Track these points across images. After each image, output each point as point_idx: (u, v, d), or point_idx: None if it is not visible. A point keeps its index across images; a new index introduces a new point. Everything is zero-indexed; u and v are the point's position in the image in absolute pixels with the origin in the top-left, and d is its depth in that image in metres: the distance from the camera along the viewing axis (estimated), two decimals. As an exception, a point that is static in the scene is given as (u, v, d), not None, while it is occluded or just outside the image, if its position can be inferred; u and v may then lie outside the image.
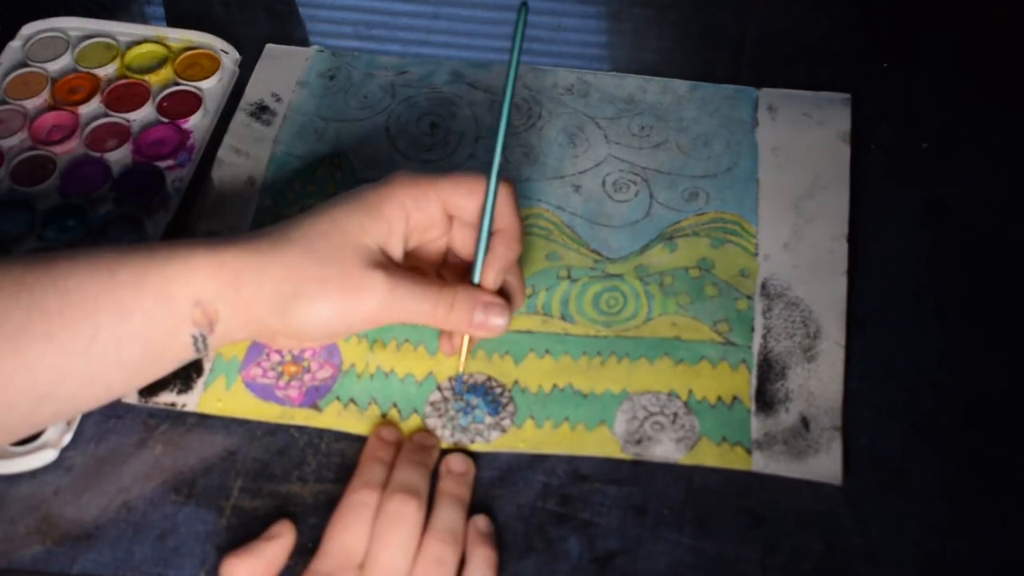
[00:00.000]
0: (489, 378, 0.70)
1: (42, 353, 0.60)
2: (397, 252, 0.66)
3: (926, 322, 0.72)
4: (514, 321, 0.72)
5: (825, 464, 0.66)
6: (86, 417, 0.69)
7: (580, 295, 0.74)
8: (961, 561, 0.63)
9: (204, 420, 0.69)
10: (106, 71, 0.86)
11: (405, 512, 0.63)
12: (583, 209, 0.78)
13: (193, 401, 0.70)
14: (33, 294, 0.60)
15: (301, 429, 0.69)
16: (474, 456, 0.68)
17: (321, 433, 0.69)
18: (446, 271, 0.70)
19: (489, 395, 0.70)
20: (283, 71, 0.87)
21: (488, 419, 0.69)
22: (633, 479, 0.67)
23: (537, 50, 0.88)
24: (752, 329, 0.72)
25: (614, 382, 0.70)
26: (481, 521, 0.64)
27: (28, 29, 0.88)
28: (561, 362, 0.71)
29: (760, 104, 0.83)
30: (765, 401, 0.69)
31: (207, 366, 0.71)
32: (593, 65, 0.87)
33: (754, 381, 0.69)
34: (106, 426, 0.69)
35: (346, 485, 0.65)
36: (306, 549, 0.64)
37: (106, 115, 0.83)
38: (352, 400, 0.70)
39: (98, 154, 0.81)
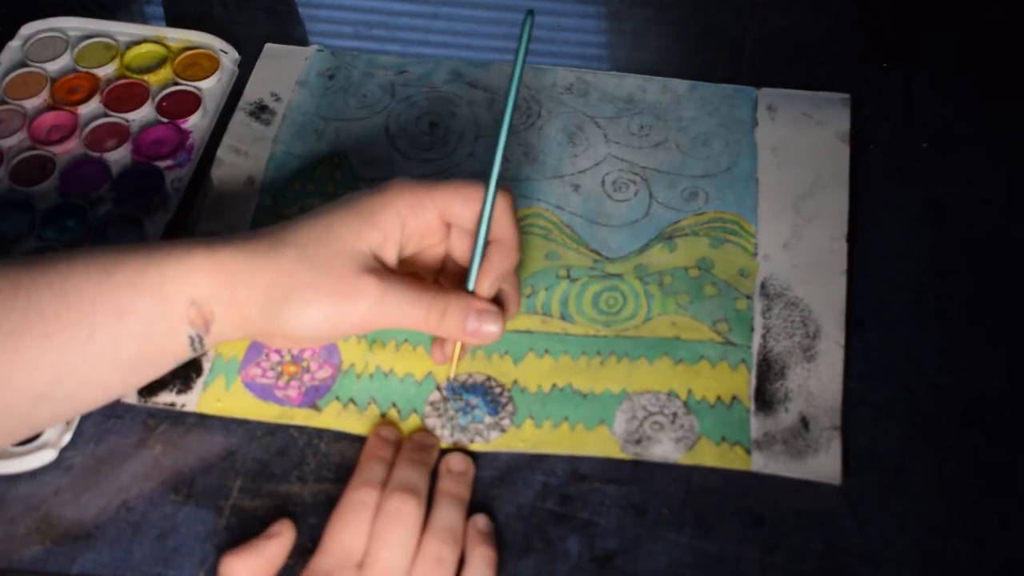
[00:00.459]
0: (489, 378, 0.70)
1: (39, 354, 0.60)
2: (392, 259, 0.66)
3: (926, 322, 0.72)
4: (513, 321, 0.72)
5: (825, 464, 0.66)
6: (85, 417, 0.69)
7: (580, 295, 0.74)
8: (961, 561, 0.63)
9: (204, 420, 0.69)
10: (105, 71, 0.86)
11: (404, 511, 0.62)
12: (582, 208, 0.78)
13: (192, 401, 0.70)
14: (30, 296, 0.60)
15: (300, 429, 0.69)
16: (474, 456, 0.68)
17: (320, 433, 0.69)
18: (444, 278, 0.70)
19: (489, 395, 0.70)
20: (282, 71, 0.87)
21: (488, 419, 0.69)
22: (633, 479, 0.67)
23: (537, 50, 0.88)
24: (751, 329, 0.72)
25: (614, 382, 0.70)
26: (481, 520, 0.64)
27: (27, 29, 0.88)
28: (560, 362, 0.71)
29: (760, 104, 0.83)
30: (764, 401, 0.69)
31: (206, 366, 0.71)
32: (593, 65, 0.87)
33: (753, 381, 0.69)
34: (106, 426, 0.69)
35: (346, 484, 0.65)
36: (305, 548, 0.64)
37: (105, 115, 0.83)
38: (351, 400, 0.70)
39: (97, 154, 0.81)
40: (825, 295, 0.73)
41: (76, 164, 0.81)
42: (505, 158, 0.66)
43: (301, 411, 0.69)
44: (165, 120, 0.83)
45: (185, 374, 0.70)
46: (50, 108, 0.84)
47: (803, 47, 0.87)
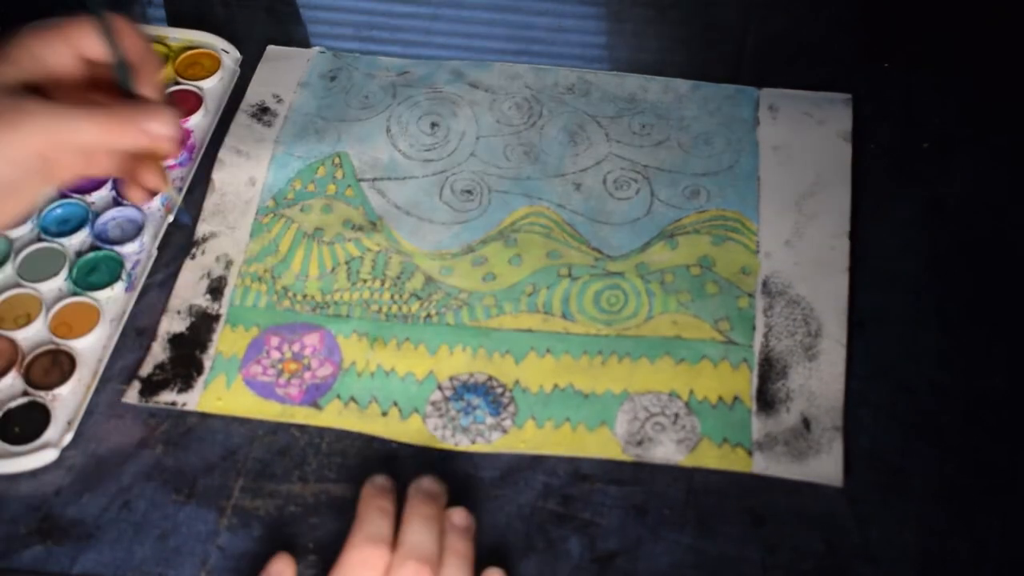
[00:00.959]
0: (490, 378, 0.70)
1: None
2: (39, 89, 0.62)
3: (926, 322, 0.72)
4: (515, 320, 0.73)
5: (826, 465, 0.66)
6: (87, 417, 0.69)
7: (581, 293, 0.74)
8: (961, 561, 0.63)
9: (205, 420, 0.69)
10: (107, 71, 0.86)
11: None
12: (584, 207, 0.78)
13: (193, 400, 0.70)
14: None
15: (302, 429, 0.69)
16: (475, 456, 0.67)
17: (322, 433, 0.69)
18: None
19: (490, 395, 0.70)
20: (284, 72, 0.87)
21: (489, 419, 0.69)
22: (634, 479, 0.67)
23: (537, 50, 0.88)
24: (753, 327, 0.72)
25: (615, 382, 0.70)
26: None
27: (28, 29, 0.88)
28: (562, 361, 0.71)
29: (761, 104, 0.83)
30: (766, 401, 0.69)
31: (207, 364, 0.71)
32: (594, 66, 0.87)
33: (755, 380, 0.70)
34: (107, 426, 0.69)
35: (348, 486, 0.66)
36: (307, 549, 0.64)
37: (107, 115, 0.83)
38: (352, 399, 0.70)
39: (99, 154, 0.81)
40: (827, 293, 0.73)
41: (77, 164, 0.81)
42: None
43: (302, 409, 0.69)
44: (166, 120, 0.83)
45: (186, 372, 0.70)
46: (51, 108, 0.84)
47: (803, 47, 0.87)
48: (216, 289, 0.75)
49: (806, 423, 0.68)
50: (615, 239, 0.76)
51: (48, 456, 0.67)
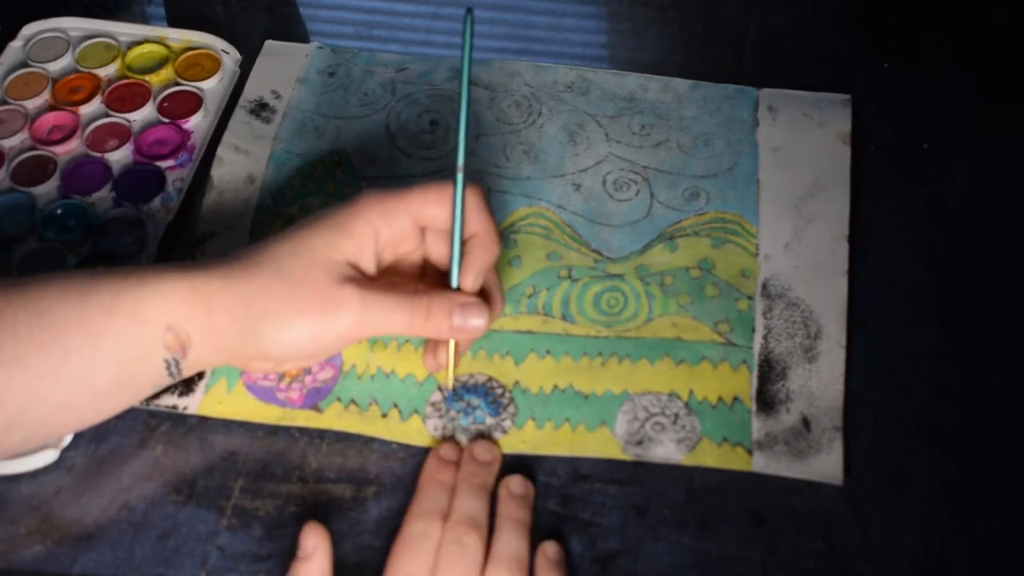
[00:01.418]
0: (490, 379, 0.70)
1: (10, 378, 0.60)
2: (370, 269, 0.65)
3: (926, 322, 0.72)
4: (515, 321, 0.72)
5: (826, 464, 0.66)
6: (87, 417, 0.69)
7: (581, 295, 0.74)
8: (961, 561, 0.63)
9: (205, 420, 0.69)
10: (107, 71, 0.86)
11: (467, 542, 0.62)
12: (584, 208, 0.78)
13: (194, 404, 0.70)
14: (3, 318, 0.60)
15: (302, 429, 0.69)
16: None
17: (322, 433, 0.69)
18: (424, 283, 0.69)
19: (490, 396, 0.70)
20: (283, 68, 0.87)
21: (489, 420, 0.69)
22: (634, 479, 0.67)
23: (537, 50, 0.88)
24: (753, 329, 0.72)
25: (615, 383, 0.70)
26: (551, 548, 0.63)
27: (29, 29, 0.88)
28: (562, 363, 0.71)
29: (760, 104, 0.83)
30: (766, 401, 0.69)
31: (208, 369, 0.71)
32: (593, 65, 0.87)
33: (755, 381, 0.70)
34: (107, 426, 0.69)
35: (348, 486, 0.66)
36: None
37: (107, 115, 0.83)
38: (353, 401, 0.70)
39: (99, 154, 0.81)
40: (826, 295, 0.73)
41: (77, 164, 0.81)
42: (468, 153, 0.65)
43: (302, 412, 0.69)
44: (166, 120, 0.83)
45: (186, 377, 0.70)
46: (51, 108, 0.84)
47: (803, 47, 0.87)
48: (216, 289, 0.75)
49: (806, 423, 0.68)
50: (615, 241, 0.76)
51: (48, 456, 0.67)
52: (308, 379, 0.70)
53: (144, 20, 0.93)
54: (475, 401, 0.69)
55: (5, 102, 0.84)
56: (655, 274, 0.74)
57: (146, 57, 0.87)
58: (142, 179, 0.80)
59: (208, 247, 0.77)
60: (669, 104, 0.84)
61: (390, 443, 0.68)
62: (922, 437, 0.68)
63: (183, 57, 0.87)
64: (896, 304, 0.73)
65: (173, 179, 0.80)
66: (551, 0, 0.93)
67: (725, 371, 0.70)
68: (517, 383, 0.70)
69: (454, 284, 0.66)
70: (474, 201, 0.66)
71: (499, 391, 0.70)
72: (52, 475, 0.67)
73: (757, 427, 0.68)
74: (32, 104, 0.84)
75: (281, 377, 0.70)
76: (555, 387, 0.70)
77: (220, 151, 0.81)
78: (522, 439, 0.68)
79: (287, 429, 0.69)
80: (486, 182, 0.79)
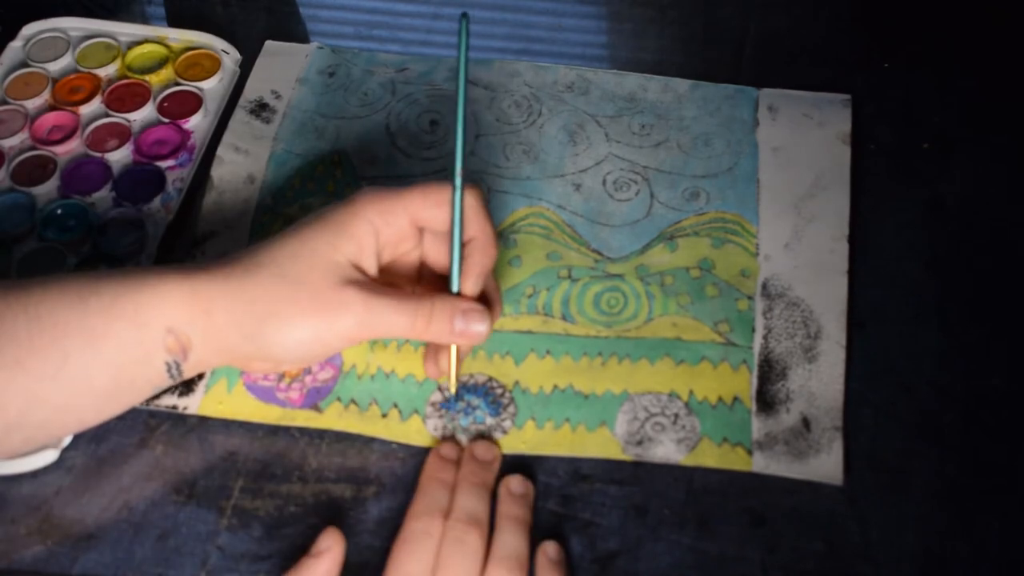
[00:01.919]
0: (490, 379, 0.70)
1: (11, 380, 0.60)
2: (371, 268, 0.65)
3: (926, 322, 0.72)
4: (515, 321, 0.72)
5: (826, 464, 0.66)
6: (87, 417, 0.69)
7: (581, 295, 0.74)
8: (961, 561, 0.63)
9: (205, 420, 0.69)
10: (107, 71, 0.86)
11: (468, 540, 0.62)
12: (584, 208, 0.78)
13: (194, 404, 0.70)
14: (3, 322, 0.60)
15: (302, 429, 0.69)
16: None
17: (322, 433, 0.69)
18: (422, 285, 0.69)
19: (490, 396, 0.70)
20: (283, 68, 0.87)
21: (489, 420, 0.69)
22: (634, 479, 0.67)
23: (537, 50, 0.88)
24: (753, 329, 0.72)
25: (615, 383, 0.70)
26: (551, 548, 0.63)
27: (29, 29, 0.88)
28: (562, 363, 0.71)
29: (760, 104, 0.83)
30: (766, 401, 0.69)
31: (208, 370, 0.71)
32: (593, 65, 0.87)
33: (755, 381, 0.70)
34: (107, 426, 0.68)
35: (348, 486, 0.66)
36: (307, 549, 0.63)
37: (107, 115, 0.83)
38: (353, 401, 0.70)
39: (99, 154, 0.81)
40: (826, 295, 0.73)
41: (77, 164, 0.81)
42: (467, 156, 0.66)
43: (303, 412, 0.69)
44: (166, 120, 0.83)
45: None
46: (51, 108, 0.84)
47: (803, 47, 0.87)
48: (217, 289, 0.75)
49: (806, 423, 0.68)
50: (615, 241, 0.76)
51: (48, 456, 0.67)
52: (308, 379, 0.70)
53: (144, 20, 0.93)
54: (475, 401, 0.69)
55: (5, 102, 0.84)
56: (655, 274, 0.74)
57: (146, 57, 0.87)
58: (142, 179, 0.80)
59: (208, 247, 0.77)
60: (669, 104, 0.84)
61: (390, 443, 0.68)
62: (922, 437, 0.68)
63: (183, 57, 0.87)
64: (896, 304, 0.73)
65: (173, 179, 0.80)
66: (551, 0, 0.93)
67: (725, 371, 0.70)
68: (517, 383, 0.70)
69: (454, 288, 0.66)
70: (473, 204, 0.66)
71: (499, 391, 0.70)
72: (52, 475, 0.67)
73: (757, 427, 0.68)
74: (32, 104, 0.84)
75: (281, 377, 0.70)
76: (555, 387, 0.70)
77: (220, 151, 0.81)
78: (522, 439, 0.68)
79: (287, 429, 0.69)
80: (486, 182, 0.79)
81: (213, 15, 0.92)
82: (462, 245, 0.66)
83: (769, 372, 0.70)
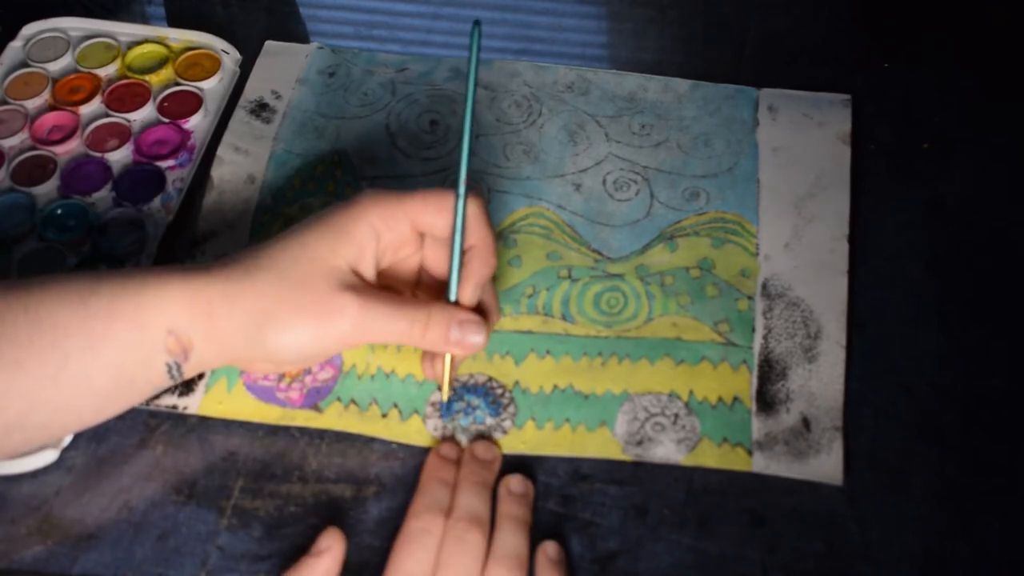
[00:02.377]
0: (490, 379, 0.70)
1: (11, 381, 0.60)
2: (370, 272, 0.65)
3: (926, 322, 0.72)
4: (515, 321, 0.73)
5: (826, 464, 0.66)
6: (87, 417, 0.69)
7: (581, 295, 0.74)
8: (961, 561, 0.63)
9: (205, 420, 0.69)
10: (107, 71, 0.86)
11: (469, 539, 0.62)
12: (584, 208, 0.78)
13: (194, 404, 0.70)
14: (3, 322, 0.60)
15: (302, 429, 0.69)
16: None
17: (322, 433, 0.69)
18: (420, 289, 0.69)
19: (490, 396, 0.70)
20: (283, 68, 0.87)
21: (489, 420, 0.69)
22: (634, 479, 0.67)
23: (537, 50, 0.88)
24: (753, 329, 0.72)
25: (615, 383, 0.70)
26: (551, 548, 0.63)
27: (29, 29, 0.88)
28: (562, 363, 0.71)
29: (760, 104, 0.83)
30: (766, 401, 0.69)
31: (208, 370, 0.71)
32: (593, 65, 0.87)
33: (755, 381, 0.70)
34: (107, 426, 0.68)
35: (348, 486, 0.66)
36: (307, 549, 0.64)
37: (107, 115, 0.83)
38: (353, 401, 0.70)
39: (99, 154, 0.81)
40: (826, 295, 0.73)
41: (77, 164, 0.81)
42: (471, 161, 0.66)
43: (302, 412, 0.69)
44: (166, 120, 0.83)
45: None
46: (51, 108, 0.84)
47: (803, 47, 0.87)
48: (217, 289, 0.75)
49: (806, 423, 0.68)
50: (615, 241, 0.76)
51: (48, 456, 0.67)
52: (308, 379, 0.70)
53: (144, 20, 0.93)
54: (475, 401, 0.69)
55: (5, 102, 0.84)
56: (655, 274, 0.74)
57: (146, 57, 0.87)
58: (142, 179, 0.80)
59: (208, 247, 0.77)
60: (669, 104, 0.84)
61: (390, 443, 0.68)
62: (922, 437, 0.68)
63: (183, 57, 0.87)
64: (896, 304, 0.73)
65: (173, 179, 0.80)
66: (551, 0, 0.93)
67: (725, 371, 0.70)
68: (517, 383, 0.70)
69: (452, 297, 0.66)
70: (475, 212, 0.66)
71: (499, 391, 0.70)
72: (52, 475, 0.67)
73: (757, 427, 0.68)
74: (32, 104, 0.84)
75: (281, 377, 0.70)
76: (555, 387, 0.70)
77: (220, 151, 0.81)
78: (522, 439, 0.68)
79: (287, 429, 0.69)
80: (486, 182, 0.79)
81: (213, 15, 0.92)
82: (462, 253, 0.66)
83: (769, 372, 0.70)
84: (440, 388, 0.70)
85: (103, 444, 0.68)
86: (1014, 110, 0.82)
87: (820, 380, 0.69)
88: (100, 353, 0.61)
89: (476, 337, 0.65)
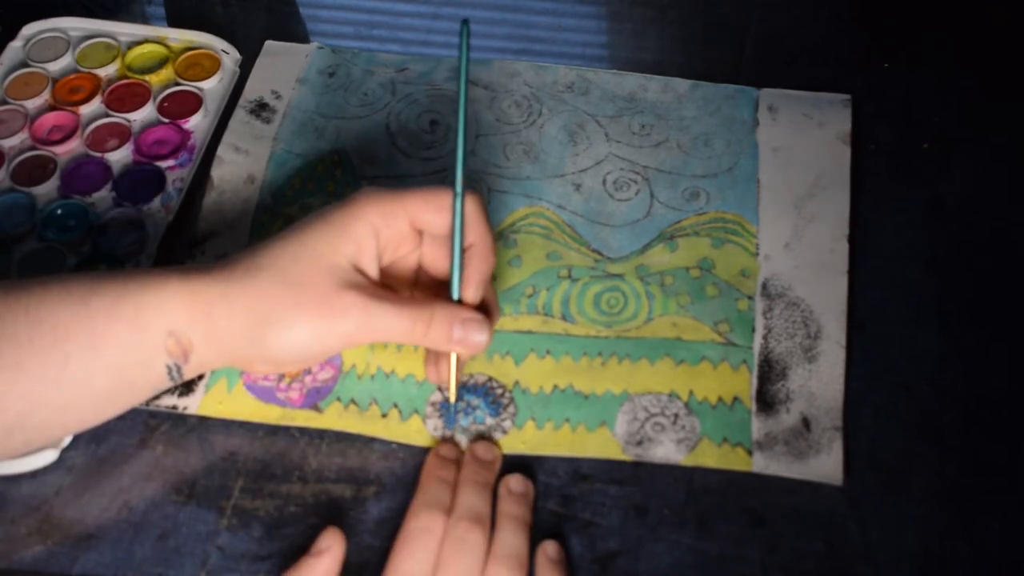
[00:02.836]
0: (490, 379, 0.70)
1: (12, 382, 0.60)
2: (372, 270, 0.65)
3: (926, 322, 0.72)
4: (515, 321, 0.72)
5: (826, 464, 0.66)
6: (87, 417, 0.69)
7: (581, 295, 0.74)
8: (961, 561, 0.63)
9: (205, 420, 0.69)
10: (107, 71, 0.86)
11: (470, 539, 0.62)
12: (584, 208, 0.78)
13: (194, 404, 0.70)
14: (3, 322, 0.60)
15: (302, 429, 0.69)
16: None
17: (322, 433, 0.69)
18: (418, 289, 0.69)
19: (490, 396, 0.70)
20: (283, 68, 0.87)
21: (489, 420, 0.69)
22: (634, 479, 0.67)
23: (537, 50, 0.88)
24: (753, 329, 0.72)
25: (615, 383, 0.70)
26: (551, 548, 0.63)
27: (29, 29, 0.88)
28: (562, 363, 0.71)
29: (760, 104, 0.83)
30: (766, 401, 0.69)
31: (209, 371, 0.71)
32: (593, 65, 0.87)
33: (755, 381, 0.70)
34: (107, 426, 0.68)
35: (348, 486, 0.66)
36: (307, 549, 0.64)
37: (107, 115, 0.83)
38: (353, 401, 0.70)
39: (99, 154, 0.81)
40: (826, 295, 0.73)
41: (77, 164, 0.81)
42: (470, 162, 0.66)
43: (303, 412, 0.69)
44: (166, 120, 0.83)
45: (187, 377, 0.70)
46: (51, 108, 0.84)
47: (803, 47, 0.87)
48: (217, 289, 0.75)
49: (806, 423, 0.68)
50: (615, 241, 0.76)
51: (48, 456, 0.67)
52: (308, 379, 0.70)
53: (144, 20, 0.93)
54: (475, 401, 0.69)
55: (5, 102, 0.84)
56: (655, 274, 0.74)
57: (146, 57, 0.87)
58: (142, 179, 0.80)
59: (208, 247, 0.77)
60: (669, 104, 0.84)
61: (390, 443, 0.68)
62: (922, 437, 0.68)
63: (183, 57, 0.87)
64: (896, 304, 0.73)
65: (173, 179, 0.80)
66: (551, 0, 0.93)
67: (725, 371, 0.70)
68: (517, 383, 0.70)
69: (455, 296, 0.66)
70: (473, 211, 0.66)
71: (499, 391, 0.70)
72: (52, 475, 0.67)
73: (757, 427, 0.68)
74: (32, 104, 0.84)
75: (281, 377, 0.70)
76: (555, 387, 0.70)
77: (220, 151, 0.81)
78: (522, 439, 0.68)
79: (287, 429, 0.69)
80: (486, 182, 0.79)
81: (213, 15, 0.92)
82: (462, 252, 0.66)
83: (769, 372, 0.70)
84: (442, 390, 0.70)
85: (103, 444, 0.68)
86: (1014, 110, 0.82)
87: (820, 380, 0.69)
88: (100, 354, 0.61)
89: (479, 336, 0.65)
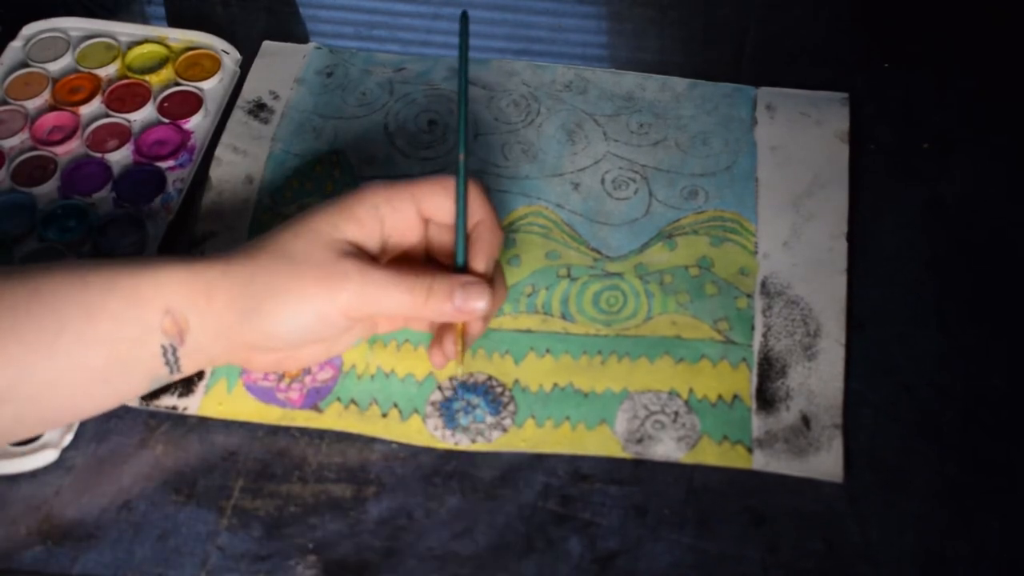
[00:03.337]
0: (490, 377, 0.70)
1: (3, 347, 0.60)
2: (373, 252, 0.66)
3: (926, 322, 0.72)
4: (514, 320, 0.72)
5: (826, 462, 0.66)
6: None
7: (580, 294, 0.74)
8: (961, 561, 0.63)
9: (205, 420, 0.69)
10: (107, 71, 0.86)
11: None
12: (582, 207, 0.78)
13: (194, 405, 0.70)
14: (3, 293, 0.61)
15: (302, 429, 0.69)
16: (475, 457, 0.67)
17: (322, 433, 0.69)
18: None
19: (490, 394, 0.70)
20: (280, 68, 0.87)
21: (489, 418, 0.69)
22: (634, 479, 0.67)
23: (537, 50, 0.88)
24: (752, 327, 0.72)
25: (615, 381, 0.70)
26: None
27: (29, 29, 0.88)
28: (561, 361, 0.71)
29: (759, 103, 0.83)
30: (766, 399, 0.69)
31: (208, 369, 0.71)
32: (593, 66, 0.87)
33: (755, 379, 0.70)
34: (107, 426, 0.69)
35: (348, 486, 0.66)
36: (307, 549, 0.64)
37: (107, 115, 0.83)
38: (353, 401, 0.70)
39: (99, 154, 0.81)
40: (825, 293, 0.73)
41: (77, 164, 0.81)
42: (469, 161, 0.66)
43: (303, 413, 0.69)
44: (166, 120, 0.83)
45: (187, 377, 0.70)
46: (51, 108, 0.84)
47: (803, 47, 0.87)
48: (216, 289, 0.75)
49: (806, 421, 0.68)
50: (614, 240, 0.76)
51: (48, 456, 0.67)
52: (308, 379, 0.71)
53: (144, 20, 0.93)
54: (475, 400, 0.69)
55: (5, 102, 0.84)
56: (654, 272, 0.74)
57: (146, 57, 0.87)
58: (142, 179, 0.80)
59: (207, 247, 0.77)
60: (667, 103, 0.84)
61: (390, 443, 0.68)
62: (922, 437, 0.68)
63: (183, 57, 0.87)
64: (896, 304, 0.73)
65: (173, 179, 0.80)
66: (551, 0, 0.93)
67: (725, 369, 0.70)
68: (517, 382, 0.70)
69: (460, 261, 0.66)
70: (476, 192, 0.66)
71: (499, 390, 0.70)
72: (52, 475, 0.67)
73: (757, 425, 0.68)
74: (32, 104, 0.84)
75: (281, 377, 0.70)
76: (555, 385, 0.70)
77: (218, 152, 0.82)
78: (522, 437, 0.68)
79: (287, 429, 0.69)
80: (485, 181, 0.79)
81: (213, 15, 0.92)
82: (469, 231, 0.66)
83: (769, 370, 0.70)
84: (440, 385, 0.70)
85: (103, 444, 0.68)
86: (1014, 110, 0.82)
87: (820, 378, 0.69)
88: (95, 327, 0.61)
89: (479, 302, 0.65)
